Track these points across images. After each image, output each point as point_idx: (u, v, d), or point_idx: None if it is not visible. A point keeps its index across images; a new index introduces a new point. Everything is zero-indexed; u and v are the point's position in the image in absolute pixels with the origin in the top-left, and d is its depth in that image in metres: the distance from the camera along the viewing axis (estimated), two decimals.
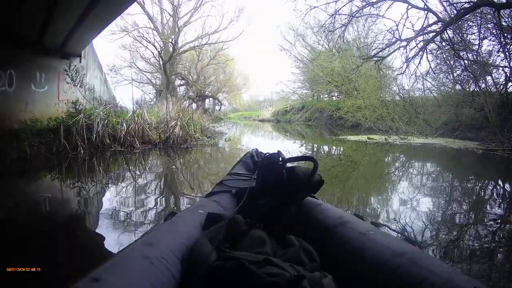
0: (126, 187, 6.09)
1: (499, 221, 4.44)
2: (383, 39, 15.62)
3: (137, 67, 30.29)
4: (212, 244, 1.22)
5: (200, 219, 1.52)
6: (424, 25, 13.83)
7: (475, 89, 15.68)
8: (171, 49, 25.99)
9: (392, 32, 14.28)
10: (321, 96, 32.81)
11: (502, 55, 14.67)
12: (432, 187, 6.63)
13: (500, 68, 15.25)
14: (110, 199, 5.28)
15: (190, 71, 33.59)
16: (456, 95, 17.05)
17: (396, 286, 1.04)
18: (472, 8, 12.45)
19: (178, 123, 11.05)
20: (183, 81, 32.82)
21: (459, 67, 16.00)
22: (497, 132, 12.90)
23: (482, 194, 6.38)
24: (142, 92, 30.14)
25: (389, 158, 11.39)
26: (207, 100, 38.48)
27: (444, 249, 3.41)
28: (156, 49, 27.17)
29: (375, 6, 14.39)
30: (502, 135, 12.55)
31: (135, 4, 23.11)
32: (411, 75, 15.51)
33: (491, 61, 15.26)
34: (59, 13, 7.29)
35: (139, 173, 7.29)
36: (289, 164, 1.92)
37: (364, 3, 14.37)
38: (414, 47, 14.48)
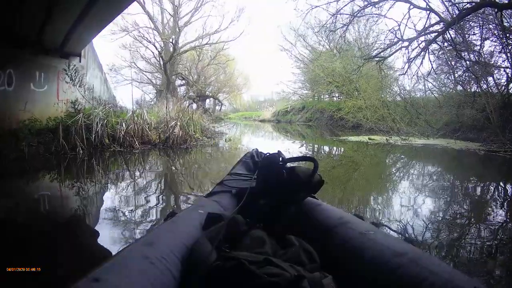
0: (125, 187, 6.08)
1: (502, 222, 4.44)
2: (384, 39, 15.63)
3: (138, 67, 30.32)
4: (212, 244, 1.22)
5: (200, 219, 1.51)
6: (426, 25, 13.79)
7: (477, 90, 15.64)
8: (171, 49, 25.96)
9: (394, 32, 14.27)
10: (322, 97, 32.75)
11: (504, 56, 14.64)
12: (434, 188, 6.58)
13: (502, 69, 15.22)
14: (109, 199, 5.28)
15: (190, 71, 33.59)
16: (458, 95, 17.01)
17: (396, 286, 1.04)
18: (474, 9, 12.41)
19: (178, 123, 10.99)
20: (184, 81, 32.82)
21: (460, 67, 16.00)
22: (499, 133, 12.86)
23: (485, 196, 6.35)
24: (142, 92, 30.20)
25: (391, 159, 11.33)
26: (207, 100, 38.52)
27: (446, 249, 3.41)
28: (157, 49, 27.19)
29: (376, 6, 14.35)
30: (504, 136, 12.52)
31: (135, 4, 23.15)
32: (413, 75, 15.49)
33: (492, 62, 15.20)
34: (58, 13, 7.26)
35: (138, 174, 7.27)
36: (289, 164, 1.92)
37: (366, 3, 14.37)
38: (416, 48, 14.45)
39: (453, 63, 15.92)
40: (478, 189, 6.93)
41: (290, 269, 1.07)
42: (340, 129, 22.62)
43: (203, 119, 15.37)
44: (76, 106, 9.83)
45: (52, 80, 10.39)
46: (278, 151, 2.03)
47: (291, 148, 12.19)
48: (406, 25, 14.04)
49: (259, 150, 2.79)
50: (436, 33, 13.66)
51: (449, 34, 13.37)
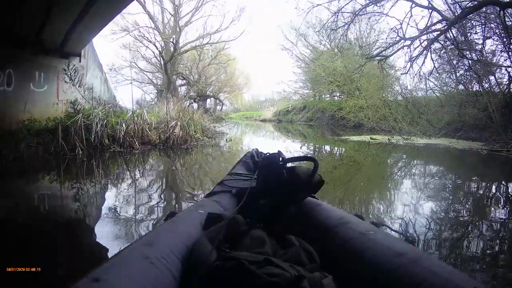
0: (125, 188, 6.05)
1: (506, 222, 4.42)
2: (386, 38, 15.54)
3: (138, 67, 30.27)
4: (212, 244, 1.23)
5: (200, 219, 1.52)
6: (428, 24, 13.72)
7: (479, 89, 15.58)
8: (172, 48, 25.92)
9: (396, 31, 14.19)
10: (323, 96, 32.69)
11: (506, 54, 14.57)
12: (438, 188, 6.52)
13: (503, 68, 15.16)
14: (109, 200, 5.27)
15: (191, 71, 33.54)
16: (459, 95, 16.94)
17: (396, 286, 1.04)
18: (477, 7, 12.35)
19: (178, 123, 10.91)
20: (184, 81, 32.78)
21: (462, 66, 15.94)
22: (501, 132, 12.82)
23: (488, 195, 6.30)
24: (143, 92, 30.14)
25: (394, 159, 11.26)
26: (208, 100, 38.45)
27: (448, 250, 3.38)
28: (157, 48, 27.14)
29: (378, 4, 14.28)
30: (506, 135, 12.49)
31: (135, 4, 23.17)
32: (415, 74, 15.43)
33: (494, 61, 15.13)
34: (58, 12, 7.25)
35: (138, 175, 7.23)
36: (289, 164, 1.92)
37: (367, 1, 14.28)
38: (418, 46, 14.38)
39: (454, 62, 15.84)
40: (484, 189, 6.87)
41: (290, 269, 1.08)
42: (342, 128, 22.58)
43: (204, 119, 15.31)
44: (76, 106, 9.73)
45: (52, 80, 10.35)
46: (278, 151, 2.03)
47: (292, 147, 12.16)
48: (408, 24, 14.00)
49: (259, 150, 2.79)
50: (438, 32, 13.59)
51: (452, 33, 13.30)
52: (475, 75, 15.03)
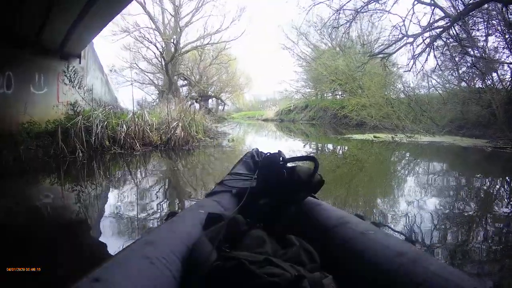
0: (125, 189, 6.02)
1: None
2: (389, 36, 15.40)
3: (139, 68, 30.24)
4: (213, 244, 1.23)
5: (201, 219, 1.53)
6: (431, 21, 13.59)
7: (481, 86, 15.50)
8: (173, 49, 25.87)
9: (399, 28, 14.07)
10: (325, 95, 32.56)
11: (508, 51, 14.53)
12: (446, 187, 6.44)
13: (506, 65, 15.07)
14: (108, 200, 5.30)
15: (192, 71, 33.49)
16: (462, 92, 16.83)
17: (396, 286, 1.04)
18: (479, 3, 12.24)
19: (180, 124, 10.80)
20: (186, 82, 32.72)
21: (464, 64, 15.85)
22: (505, 129, 12.74)
23: (497, 193, 6.27)
24: (144, 93, 30.08)
25: (399, 157, 11.18)
26: (210, 100, 38.38)
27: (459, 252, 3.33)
28: (158, 49, 27.06)
29: (380, 1, 14.15)
30: (510, 132, 12.41)
31: (136, 4, 23.19)
32: (418, 72, 15.32)
33: (496, 58, 15.04)
34: (58, 12, 7.24)
35: (137, 176, 7.20)
36: (289, 164, 1.92)
37: None
38: (420, 44, 14.27)
39: (456, 59, 15.73)
40: (491, 186, 6.80)
41: (291, 269, 1.08)
42: (344, 127, 22.47)
43: (206, 119, 15.20)
44: (76, 108, 9.60)
45: (52, 82, 10.32)
46: (279, 150, 2.02)
47: (295, 147, 12.08)
48: (410, 21, 13.86)
49: (260, 150, 2.79)
50: (441, 29, 13.47)
51: (454, 29, 13.18)
52: (478, 72, 14.93)
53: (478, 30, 14.67)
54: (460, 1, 13.10)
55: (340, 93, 30.29)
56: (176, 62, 27.19)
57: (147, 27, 26.00)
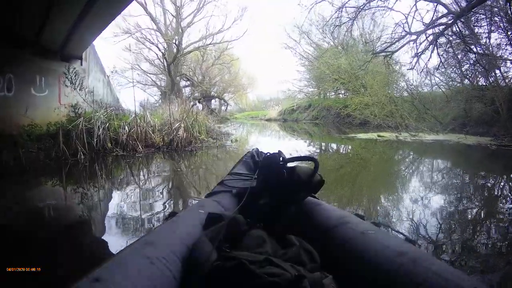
0: (126, 190, 5.99)
1: None
2: (392, 33, 15.30)
3: (141, 69, 30.26)
4: (213, 244, 1.23)
5: (201, 219, 1.53)
6: (434, 18, 13.49)
7: (484, 84, 15.41)
8: (175, 50, 25.84)
9: (402, 25, 13.96)
10: (328, 94, 32.50)
11: (510, 48, 14.40)
12: (459, 187, 6.33)
13: (508, 62, 14.98)
14: (109, 201, 5.32)
15: (195, 72, 33.49)
16: (465, 89, 16.73)
17: (396, 286, 1.04)
18: (482, 0, 12.07)
19: (182, 125, 10.73)
20: (188, 82, 32.71)
21: (467, 61, 15.76)
22: (509, 127, 12.64)
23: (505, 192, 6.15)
24: (147, 94, 30.09)
25: (406, 157, 11.05)
26: (213, 101, 38.37)
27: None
28: (160, 50, 27.03)
29: None
30: None
31: (137, 6, 23.24)
32: (421, 70, 15.22)
33: (499, 55, 14.92)
34: (58, 12, 7.18)
35: (139, 178, 7.16)
36: (290, 164, 1.92)
37: None
38: (424, 41, 14.15)
39: (459, 56, 15.63)
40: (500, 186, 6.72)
41: (291, 269, 1.08)
42: (347, 126, 22.41)
43: (208, 119, 15.11)
44: (77, 110, 9.55)
45: (53, 84, 10.26)
46: (279, 150, 2.03)
47: (298, 147, 12.02)
48: (413, 18, 13.77)
49: (260, 150, 2.79)
50: (444, 26, 13.35)
51: (458, 26, 13.07)
52: (481, 69, 14.83)
53: (480, 27, 14.57)
54: None
55: (343, 92, 30.26)
56: (178, 63, 27.20)
57: (148, 28, 26.09)
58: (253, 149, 2.83)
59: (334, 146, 14.23)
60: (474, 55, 14.35)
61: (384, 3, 14.33)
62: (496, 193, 6.07)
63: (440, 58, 14.72)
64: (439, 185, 6.45)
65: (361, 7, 14.34)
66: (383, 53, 15.85)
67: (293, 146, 11.96)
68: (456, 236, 3.67)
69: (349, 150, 12.50)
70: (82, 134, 8.67)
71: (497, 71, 14.94)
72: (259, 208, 1.80)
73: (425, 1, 13.66)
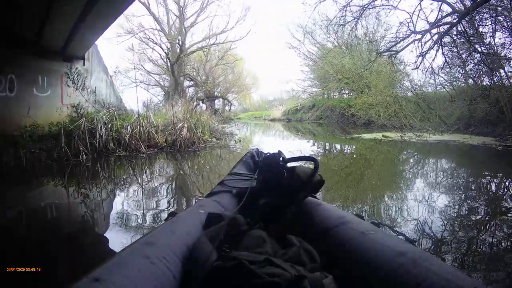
0: (127, 190, 6.01)
1: None
2: (396, 32, 15.19)
3: (145, 69, 30.24)
4: (213, 244, 1.23)
5: (201, 219, 1.53)
6: (439, 17, 13.37)
7: (488, 83, 15.31)
8: (178, 50, 25.81)
9: (407, 24, 13.86)
10: (332, 94, 32.40)
11: None
12: (468, 188, 6.20)
13: None
14: (110, 202, 5.30)
15: (198, 72, 33.46)
16: (470, 89, 16.61)
17: (397, 286, 1.04)
18: None
19: (186, 125, 10.66)
20: (192, 82, 32.67)
21: (471, 61, 15.65)
22: None
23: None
24: (150, 94, 30.08)
25: (413, 157, 10.92)
26: (217, 101, 38.35)
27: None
28: (163, 50, 27.00)
29: None
30: None
31: (140, 6, 23.22)
32: (426, 70, 15.13)
33: (503, 55, 14.79)
34: (57, 13, 7.17)
35: (142, 178, 7.11)
36: (290, 164, 1.93)
37: None
38: (428, 40, 14.05)
39: (463, 56, 15.52)
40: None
41: (291, 269, 1.08)
42: (352, 126, 22.33)
43: (212, 120, 15.05)
44: (79, 110, 9.49)
45: (55, 84, 10.26)
46: (279, 150, 2.04)
47: (302, 147, 11.98)
48: (418, 16, 13.65)
49: (260, 150, 2.79)
50: (449, 25, 13.24)
51: (462, 25, 12.95)
52: (485, 69, 14.72)
53: (484, 26, 14.45)
54: None
55: (347, 92, 30.16)
56: (181, 63, 27.20)
57: (151, 28, 26.09)
58: (253, 149, 2.82)
59: (338, 146, 14.15)
60: (478, 54, 14.25)
61: (388, 1, 14.25)
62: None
63: (445, 57, 14.62)
64: (452, 187, 6.30)
65: (366, 6, 14.23)
66: (387, 53, 15.77)
67: (297, 146, 11.93)
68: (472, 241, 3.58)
69: (356, 151, 12.36)
70: (84, 135, 8.63)
71: (501, 71, 14.82)
72: (259, 208, 1.80)
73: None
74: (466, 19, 12.67)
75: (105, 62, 14.12)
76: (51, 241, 3.54)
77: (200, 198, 5.22)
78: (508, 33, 14.20)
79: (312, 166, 1.80)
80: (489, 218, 4.45)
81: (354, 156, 11.26)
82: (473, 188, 6.29)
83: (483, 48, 14.22)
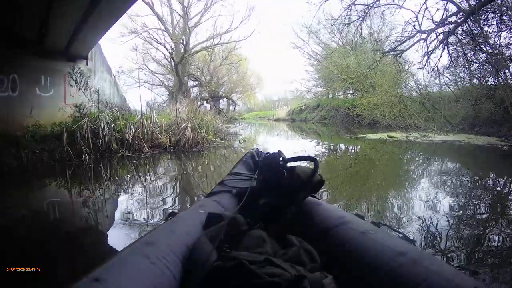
0: (130, 191, 6.01)
1: None
2: (402, 31, 15.09)
3: (149, 69, 30.25)
4: (213, 244, 1.24)
5: (201, 219, 1.54)
6: (444, 16, 13.27)
7: (493, 83, 15.20)
8: (182, 50, 25.80)
9: (412, 24, 13.76)
10: (336, 94, 32.30)
11: None
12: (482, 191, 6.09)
13: None
14: (112, 202, 5.30)
15: (202, 71, 33.49)
16: (475, 89, 16.50)
17: (397, 285, 1.04)
18: None
19: (189, 125, 10.62)
20: (196, 82, 32.67)
21: (476, 60, 15.54)
22: None
23: None
24: (154, 94, 30.06)
25: (420, 158, 10.79)
26: (221, 101, 38.34)
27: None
28: (167, 50, 26.99)
29: None
30: None
31: (144, 6, 23.26)
32: (432, 70, 15.01)
33: (508, 54, 14.66)
34: (58, 13, 7.16)
35: (145, 179, 7.08)
36: (289, 164, 1.93)
37: None
38: (433, 40, 13.94)
39: (468, 55, 15.40)
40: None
41: (291, 269, 1.09)
42: (356, 126, 22.23)
43: (216, 120, 15.00)
44: (82, 110, 9.39)
45: (58, 84, 10.25)
46: (279, 150, 2.04)
47: (307, 147, 11.92)
48: (423, 15, 13.56)
49: (260, 150, 2.80)
50: (454, 24, 13.14)
51: (468, 25, 12.85)
52: (490, 69, 14.60)
53: (490, 26, 14.32)
54: None
55: (351, 92, 30.05)
56: (186, 63, 27.21)
57: (155, 28, 26.07)
58: (253, 149, 2.82)
59: (343, 146, 14.07)
60: (483, 54, 14.13)
61: (393, 0, 14.17)
62: None
63: (450, 57, 14.50)
64: (457, 187, 6.21)
65: (371, 5, 14.14)
66: (393, 52, 15.68)
67: (301, 146, 11.90)
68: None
69: (362, 151, 12.27)
70: (87, 135, 8.59)
71: (507, 71, 14.69)
72: (259, 208, 1.80)
73: None
74: (471, 18, 12.56)
75: (109, 62, 14.13)
76: (51, 241, 3.54)
77: (202, 194, 5.22)
78: None
79: (312, 166, 1.80)
80: (495, 217, 4.39)
81: (359, 156, 11.20)
82: (478, 188, 6.23)
83: (488, 48, 14.10)
